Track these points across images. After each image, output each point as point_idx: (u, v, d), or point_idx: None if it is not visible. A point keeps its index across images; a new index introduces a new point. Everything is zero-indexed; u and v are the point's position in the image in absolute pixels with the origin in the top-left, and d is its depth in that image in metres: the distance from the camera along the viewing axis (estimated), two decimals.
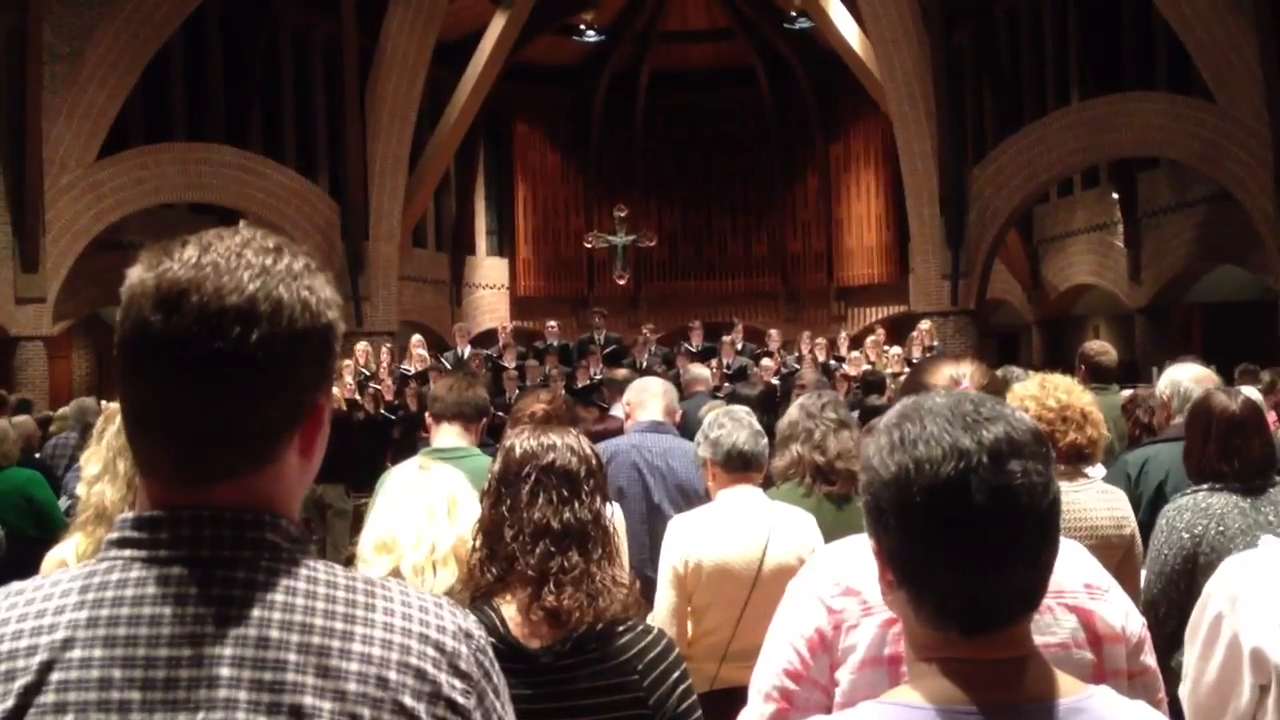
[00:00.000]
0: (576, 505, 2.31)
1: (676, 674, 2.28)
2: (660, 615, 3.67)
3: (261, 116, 20.40)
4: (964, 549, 1.22)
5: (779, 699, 1.90)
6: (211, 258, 1.14)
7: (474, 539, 2.38)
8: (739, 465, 3.83)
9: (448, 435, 4.22)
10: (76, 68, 16.27)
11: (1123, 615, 1.95)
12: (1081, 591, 1.94)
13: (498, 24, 20.82)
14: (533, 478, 2.32)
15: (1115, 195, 20.12)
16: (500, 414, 8.61)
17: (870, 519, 1.32)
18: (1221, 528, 3.44)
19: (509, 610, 2.27)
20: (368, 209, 20.00)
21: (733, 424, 3.87)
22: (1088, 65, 19.78)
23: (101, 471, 2.80)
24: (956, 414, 1.28)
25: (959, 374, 2.17)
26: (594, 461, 2.41)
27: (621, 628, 2.28)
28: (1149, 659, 1.98)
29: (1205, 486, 3.56)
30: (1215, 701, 2.21)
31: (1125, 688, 1.82)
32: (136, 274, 1.15)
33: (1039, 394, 3.49)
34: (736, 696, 2.11)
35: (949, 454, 1.23)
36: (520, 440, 2.40)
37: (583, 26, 24.53)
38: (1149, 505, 4.27)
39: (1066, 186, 21.51)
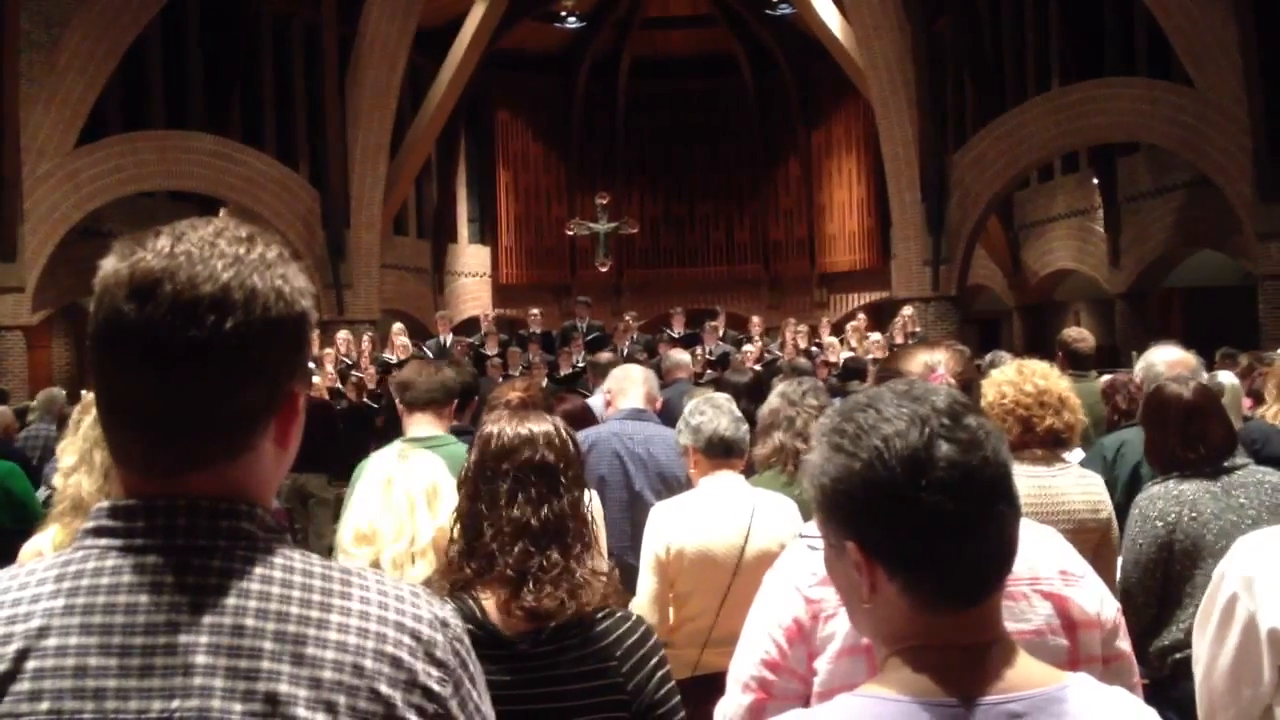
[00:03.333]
0: (555, 500, 2.29)
1: (655, 660, 2.28)
2: (642, 602, 3.68)
3: (241, 104, 20.26)
4: (948, 510, 1.22)
5: (757, 689, 1.90)
6: (185, 247, 1.13)
7: (451, 530, 2.36)
8: (720, 452, 3.83)
9: (421, 424, 4.24)
10: (54, 55, 16.15)
11: (1098, 601, 1.96)
12: (1056, 578, 1.94)
13: (478, 10, 20.75)
14: (511, 475, 2.28)
15: (1095, 180, 20.19)
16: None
17: (844, 521, 1.28)
18: (1194, 514, 3.46)
19: (489, 602, 2.25)
20: (348, 196, 19.93)
21: (714, 411, 3.87)
22: (1068, 51, 19.83)
23: (78, 462, 2.78)
24: (898, 394, 1.31)
25: (933, 361, 2.17)
26: (572, 449, 2.38)
27: (601, 614, 2.27)
28: (1123, 644, 1.99)
29: (1174, 475, 3.58)
30: (1231, 686, 2.18)
31: (1100, 673, 1.83)
32: (110, 264, 1.14)
33: (1016, 379, 3.49)
34: (719, 682, 2.12)
35: (912, 421, 1.26)
36: (497, 430, 2.36)
37: (564, 13, 24.44)
38: (1125, 488, 4.31)
39: (1047, 172, 21.59)
